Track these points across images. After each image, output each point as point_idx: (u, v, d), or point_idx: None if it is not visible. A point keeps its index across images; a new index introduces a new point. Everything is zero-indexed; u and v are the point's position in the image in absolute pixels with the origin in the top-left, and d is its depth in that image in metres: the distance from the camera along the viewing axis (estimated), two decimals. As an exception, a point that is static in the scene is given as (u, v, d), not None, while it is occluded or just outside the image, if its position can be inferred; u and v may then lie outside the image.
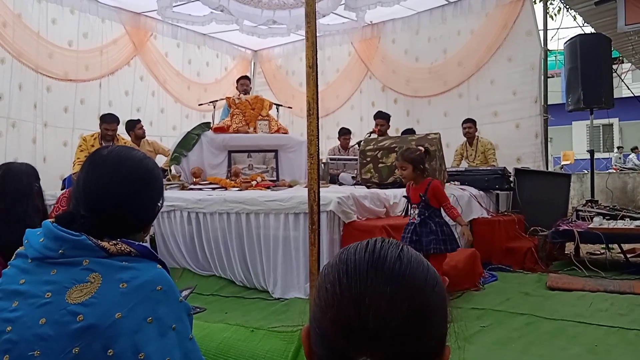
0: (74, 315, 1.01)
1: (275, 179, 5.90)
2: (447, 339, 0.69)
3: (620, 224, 4.96)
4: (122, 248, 1.10)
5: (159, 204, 1.27)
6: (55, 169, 6.54)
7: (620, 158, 15.32)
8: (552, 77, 12.14)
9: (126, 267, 1.08)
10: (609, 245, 5.25)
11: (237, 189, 5.13)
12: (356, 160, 5.77)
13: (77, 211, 1.15)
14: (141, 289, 1.05)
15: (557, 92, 12.50)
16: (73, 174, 5.54)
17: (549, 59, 7.37)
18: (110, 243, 1.10)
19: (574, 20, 7.94)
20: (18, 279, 1.09)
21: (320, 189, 3.57)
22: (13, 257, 1.15)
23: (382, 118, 7.00)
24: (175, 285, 1.14)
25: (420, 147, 3.97)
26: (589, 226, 4.99)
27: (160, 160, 6.42)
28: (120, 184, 1.18)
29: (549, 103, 7.09)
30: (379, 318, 0.63)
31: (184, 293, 3.35)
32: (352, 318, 0.64)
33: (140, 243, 1.15)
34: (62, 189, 5.72)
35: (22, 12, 6.47)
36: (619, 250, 5.26)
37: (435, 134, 5.27)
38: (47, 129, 6.77)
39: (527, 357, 2.66)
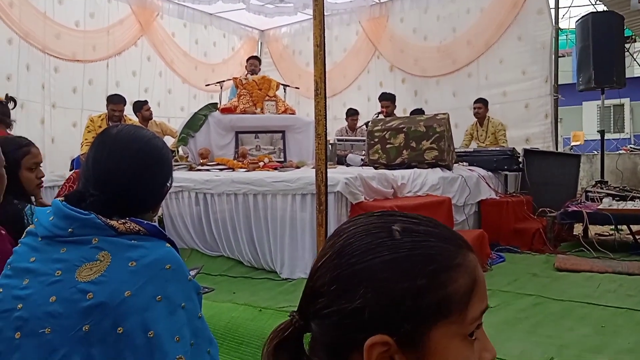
0: (83, 293, 1.02)
1: (282, 159, 5.89)
2: (392, 333, 0.60)
3: (629, 205, 4.92)
4: (131, 227, 1.10)
5: (168, 184, 1.27)
6: (65, 150, 6.57)
7: None
8: (563, 56, 11.97)
9: (135, 246, 1.08)
10: (618, 226, 5.22)
11: (244, 169, 5.13)
12: (364, 141, 5.74)
13: (86, 190, 1.15)
14: (150, 267, 1.06)
15: (567, 72, 12.34)
16: (81, 154, 5.56)
17: (559, 37, 7.25)
18: (119, 222, 1.10)
19: (586, -2, 7.81)
20: (28, 257, 1.10)
21: (328, 170, 3.57)
22: (23, 235, 1.16)
23: (387, 100, 6.95)
24: (184, 264, 1.14)
25: None
26: (598, 207, 4.95)
27: (168, 142, 6.42)
28: (129, 163, 1.17)
29: (559, 83, 7.01)
30: (311, 274, 0.67)
31: (192, 273, 3.38)
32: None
33: (149, 222, 1.15)
34: (70, 170, 5.75)
35: (28, -8, 6.45)
36: (628, 232, 5.23)
37: (443, 114, 5.23)
38: (56, 109, 6.79)
39: (534, 338, 2.66)
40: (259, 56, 8.50)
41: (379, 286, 0.60)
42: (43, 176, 2.17)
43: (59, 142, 6.74)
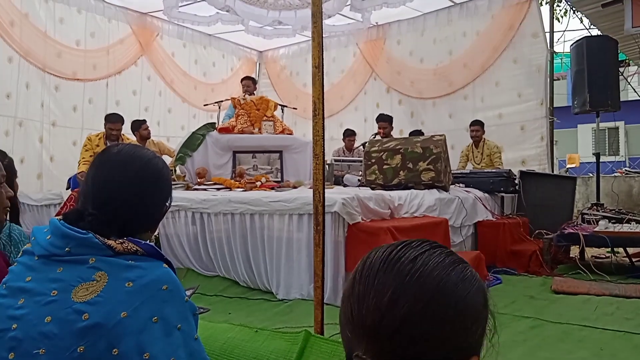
0: (79, 313, 1.01)
1: (279, 179, 5.90)
2: (478, 353, 0.68)
3: (625, 228, 4.93)
4: (129, 247, 1.09)
5: (167, 204, 1.27)
6: (64, 169, 6.55)
7: None
8: (558, 79, 12.09)
9: (132, 266, 1.07)
10: (615, 248, 5.22)
11: (241, 189, 5.14)
12: (361, 161, 5.76)
13: (85, 209, 1.14)
14: (147, 288, 1.05)
15: (562, 95, 12.46)
16: (78, 173, 5.55)
17: (555, 61, 7.35)
18: (117, 241, 1.09)
19: (581, 22, 7.94)
20: (24, 276, 1.09)
21: (325, 190, 3.57)
22: (20, 254, 1.15)
23: (384, 121, 7.00)
24: (181, 285, 1.13)
25: None
26: (595, 229, 4.96)
27: (166, 161, 6.41)
28: (129, 183, 1.18)
29: (554, 106, 7.07)
30: (378, 315, 0.65)
31: (187, 293, 3.35)
32: (354, 312, 0.67)
33: (147, 242, 1.15)
34: (66, 189, 5.73)
35: (29, 12, 6.50)
36: (625, 254, 5.24)
37: (440, 135, 5.27)
38: (56, 128, 6.81)
39: (531, 361, 2.65)
40: (254, 77, 8.56)
41: (456, 336, 0.67)
42: (11, 195, 1.60)
43: (58, 161, 6.73)
